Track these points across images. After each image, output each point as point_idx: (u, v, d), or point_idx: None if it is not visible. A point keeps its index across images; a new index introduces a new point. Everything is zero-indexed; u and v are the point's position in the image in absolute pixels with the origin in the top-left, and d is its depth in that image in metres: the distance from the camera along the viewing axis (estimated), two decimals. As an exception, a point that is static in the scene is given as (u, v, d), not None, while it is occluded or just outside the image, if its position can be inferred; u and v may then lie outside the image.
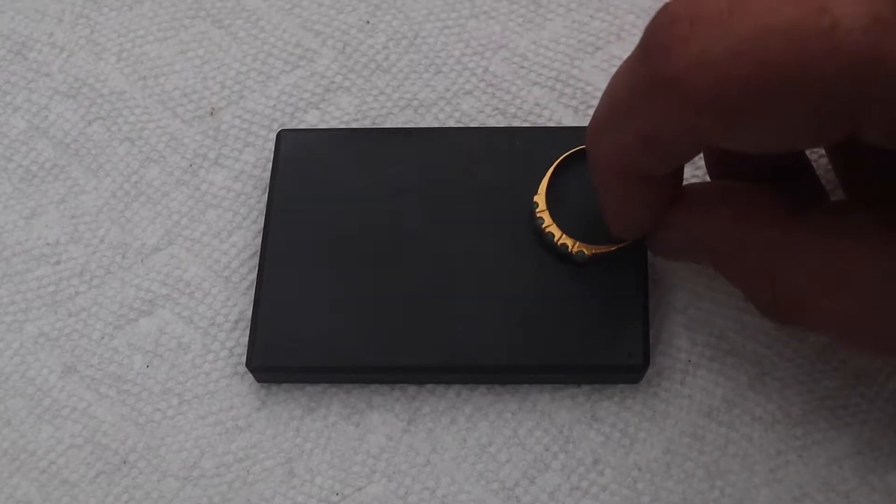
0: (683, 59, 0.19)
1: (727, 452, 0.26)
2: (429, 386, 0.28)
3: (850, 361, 0.27)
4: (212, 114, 0.32)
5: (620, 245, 0.27)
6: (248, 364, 0.27)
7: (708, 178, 0.28)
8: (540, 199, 0.28)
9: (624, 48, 0.32)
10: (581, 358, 0.26)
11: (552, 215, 0.27)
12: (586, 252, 0.27)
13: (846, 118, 0.18)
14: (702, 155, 0.28)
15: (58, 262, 0.30)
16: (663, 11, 0.20)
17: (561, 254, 0.27)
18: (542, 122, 0.31)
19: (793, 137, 0.19)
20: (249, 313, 0.29)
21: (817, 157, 0.29)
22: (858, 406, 0.27)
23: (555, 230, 0.27)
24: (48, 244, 0.30)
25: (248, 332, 0.28)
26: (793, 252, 0.22)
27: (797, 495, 0.26)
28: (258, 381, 0.28)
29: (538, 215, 0.27)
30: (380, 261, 0.28)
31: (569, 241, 0.27)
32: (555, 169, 0.28)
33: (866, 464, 0.26)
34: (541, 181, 0.28)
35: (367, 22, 0.33)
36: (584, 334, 0.27)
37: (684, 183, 0.25)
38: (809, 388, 0.27)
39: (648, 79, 0.20)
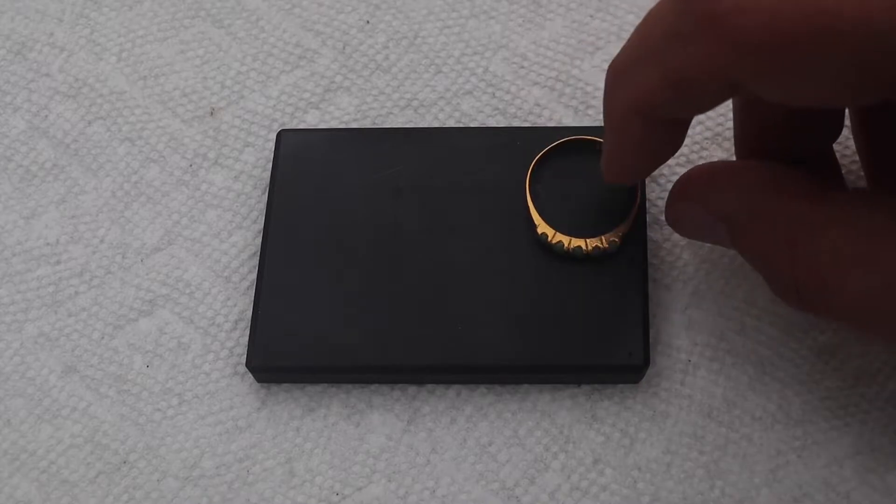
0: None
1: (727, 452, 0.26)
2: (429, 386, 0.28)
3: (849, 361, 0.27)
4: (212, 114, 0.32)
5: (611, 236, 0.27)
6: (248, 364, 0.27)
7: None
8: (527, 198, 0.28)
9: (624, 48, 0.32)
10: (581, 358, 0.26)
11: (542, 215, 0.27)
12: (584, 248, 0.27)
13: (891, 76, 0.18)
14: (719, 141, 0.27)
15: (58, 262, 0.30)
16: None
17: (558, 253, 0.27)
18: (542, 122, 0.31)
19: (830, 91, 0.19)
20: (249, 313, 0.29)
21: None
22: (858, 406, 0.27)
23: (547, 229, 0.27)
24: (48, 244, 0.30)
25: (248, 332, 0.28)
26: (818, 226, 0.21)
27: (797, 495, 0.26)
28: (258, 381, 0.28)
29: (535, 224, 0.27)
30: (380, 261, 0.28)
31: (564, 238, 0.27)
32: (535, 167, 0.28)
33: (866, 464, 0.26)
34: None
35: (367, 22, 0.33)
36: (584, 334, 0.27)
37: (706, 161, 0.24)
38: (809, 388, 0.27)
39: (689, 14, 0.19)
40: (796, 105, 0.20)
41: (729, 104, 0.29)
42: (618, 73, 0.23)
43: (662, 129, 0.23)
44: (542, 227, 0.27)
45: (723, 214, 0.24)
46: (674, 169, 0.30)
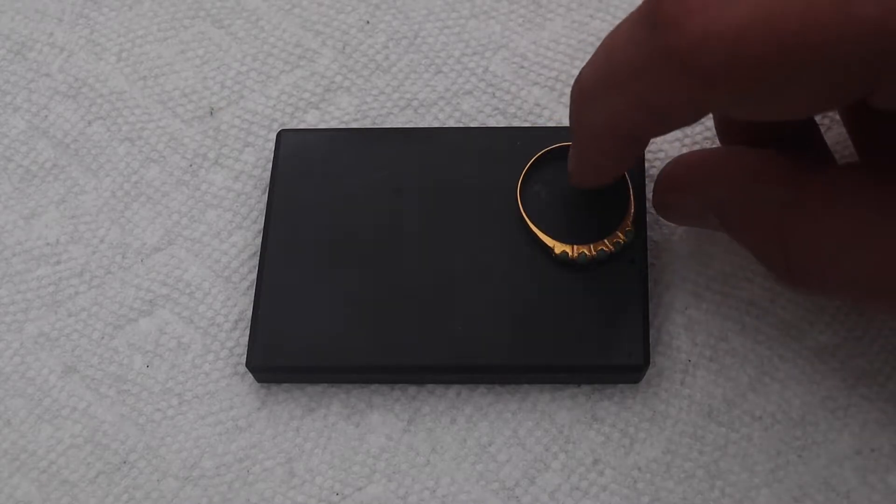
0: (693, 32, 0.18)
1: (727, 452, 0.26)
2: (429, 386, 0.28)
3: (849, 361, 0.27)
4: (212, 114, 0.32)
5: (613, 237, 0.27)
6: (248, 364, 0.27)
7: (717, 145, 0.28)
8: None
9: (624, 48, 0.32)
10: (581, 358, 0.26)
11: (542, 223, 0.27)
12: (588, 253, 0.27)
13: (854, 87, 0.18)
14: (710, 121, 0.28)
15: (58, 262, 0.30)
16: None
17: (562, 262, 0.27)
18: (542, 122, 0.31)
19: (800, 106, 0.19)
20: (249, 313, 0.29)
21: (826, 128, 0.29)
22: (858, 406, 0.27)
23: (548, 241, 0.27)
24: (48, 244, 0.30)
25: (248, 332, 0.28)
26: (807, 210, 0.22)
27: (797, 495, 0.26)
28: (258, 381, 0.28)
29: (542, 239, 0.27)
30: (380, 260, 0.28)
31: (567, 248, 0.27)
32: (526, 175, 0.28)
33: (866, 464, 0.26)
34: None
35: (367, 22, 0.33)
36: (584, 334, 0.27)
37: (695, 148, 0.25)
38: (809, 388, 0.27)
39: (654, 49, 0.19)
40: (771, 120, 0.21)
41: None
42: (585, 94, 0.23)
43: (633, 144, 0.23)
44: (545, 240, 0.27)
45: (711, 203, 0.24)
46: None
